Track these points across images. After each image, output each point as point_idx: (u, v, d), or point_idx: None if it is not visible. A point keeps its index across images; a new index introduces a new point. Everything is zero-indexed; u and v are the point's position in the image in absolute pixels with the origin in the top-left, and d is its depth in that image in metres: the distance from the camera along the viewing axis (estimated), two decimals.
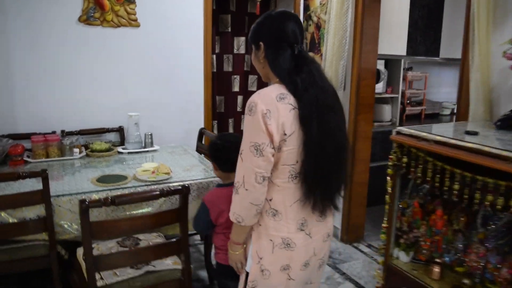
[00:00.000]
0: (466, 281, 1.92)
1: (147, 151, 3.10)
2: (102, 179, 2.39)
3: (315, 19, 3.57)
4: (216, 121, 3.87)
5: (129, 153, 3.04)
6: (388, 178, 2.01)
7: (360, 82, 3.17)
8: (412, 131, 1.87)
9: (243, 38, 3.84)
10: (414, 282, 1.99)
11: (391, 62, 4.14)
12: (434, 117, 4.81)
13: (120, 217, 2.20)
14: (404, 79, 4.23)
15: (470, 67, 2.28)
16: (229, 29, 3.76)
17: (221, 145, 1.89)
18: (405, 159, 1.93)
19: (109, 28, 3.13)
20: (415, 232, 2.06)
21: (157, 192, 1.77)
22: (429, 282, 1.96)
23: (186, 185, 1.83)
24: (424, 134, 1.81)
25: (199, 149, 3.25)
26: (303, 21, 3.76)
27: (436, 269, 1.97)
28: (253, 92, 4.18)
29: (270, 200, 1.43)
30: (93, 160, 2.84)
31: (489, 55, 2.18)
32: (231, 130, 4.00)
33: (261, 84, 4.10)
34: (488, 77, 2.19)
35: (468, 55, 2.32)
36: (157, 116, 3.41)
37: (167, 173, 2.48)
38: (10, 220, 2.07)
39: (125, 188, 2.27)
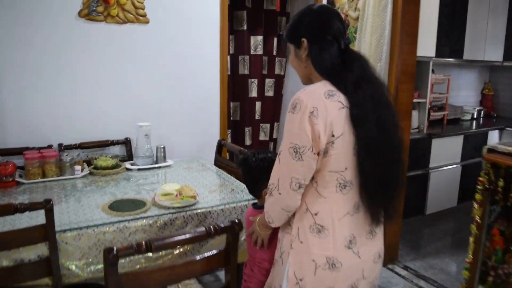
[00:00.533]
0: None
1: (160, 167, 2.68)
2: (116, 206, 1.97)
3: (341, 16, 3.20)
4: (230, 130, 3.48)
5: (139, 169, 2.61)
6: (476, 205, 1.66)
7: (398, 87, 2.82)
8: None
9: (260, 37, 3.45)
10: None
11: (417, 64, 3.81)
12: (456, 123, 4.52)
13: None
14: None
15: None
16: (245, 27, 3.37)
17: (252, 168, 1.66)
18: (501, 183, 1.58)
19: (114, 24, 2.70)
20: (504, 267, 1.71)
21: (203, 233, 1.36)
22: None
23: (237, 221, 1.43)
24: None
25: (217, 163, 2.85)
26: None
27: None
28: (269, 97, 3.82)
29: (316, 214, 1.28)
30: (98, 179, 2.40)
31: None
32: (247, 141, 3.60)
33: (279, 89, 3.72)
34: None
35: None
36: (167, 125, 2.99)
37: (193, 197, 2.07)
38: (4, 264, 1.63)
39: (146, 218, 1.87)
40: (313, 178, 1.28)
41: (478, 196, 1.65)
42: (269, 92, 3.67)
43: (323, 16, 1.33)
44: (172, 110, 3.00)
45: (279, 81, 3.68)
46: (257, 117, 3.61)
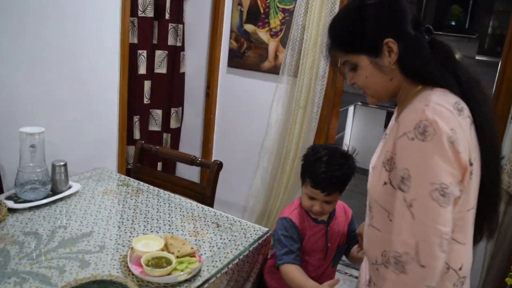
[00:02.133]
0: None
1: (62, 198, 1.65)
2: None
3: None
4: None
5: (30, 208, 1.54)
6: None
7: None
8: None
9: None
10: None
11: None
12: None
13: None
14: None
15: None
16: None
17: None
18: None
19: None
20: None
21: None
22: None
23: None
24: None
25: (140, 176, 1.98)
26: None
27: None
28: (161, 75, 2.92)
29: (460, 269, 0.97)
30: None
31: None
32: (137, 134, 2.64)
33: (174, 65, 2.87)
34: None
35: (509, 54, 2.07)
36: (47, 125, 1.86)
37: (193, 254, 1.31)
38: None
39: None
40: None
41: None
42: (161, 69, 2.80)
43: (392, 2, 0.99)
44: (52, 101, 1.88)
45: (175, 54, 2.84)
46: (145, 101, 2.72)
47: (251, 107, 2.87)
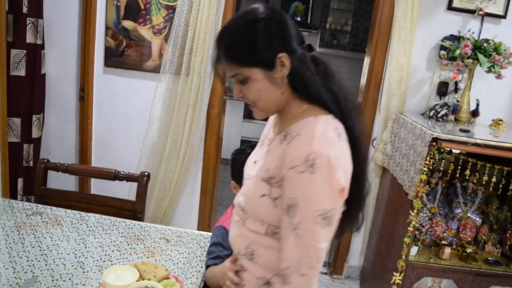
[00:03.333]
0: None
1: None
2: None
3: None
4: None
5: None
6: (421, 184, 1.95)
7: None
8: (452, 137, 1.90)
9: None
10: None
11: None
12: None
13: None
14: None
15: (387, 64, 2.44)
16: None
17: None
18: (443, 164, 1.94)
19: None
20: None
21: None
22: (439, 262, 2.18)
23: None
24: (465, 138, 1.90)
25: (46, 200, 1.71)
26: None
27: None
28: (19, 78, 2.49)
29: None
30: None
31: (411, 54, 2.42)
32: None
33: (35, 66, 2.40)
34: (408, 74, 2.44)
35: (376, 52, 2.47)
36: None
37: (168, 276, 1.25)
38: None
39: None
40: None
41: (423, 176, 1.94)
42: (18, 71, 2.37)
43: (277, 15, 1.02)
44: None
45: (35, 54, 2.43)
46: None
47: (134, 109, 2.72)
